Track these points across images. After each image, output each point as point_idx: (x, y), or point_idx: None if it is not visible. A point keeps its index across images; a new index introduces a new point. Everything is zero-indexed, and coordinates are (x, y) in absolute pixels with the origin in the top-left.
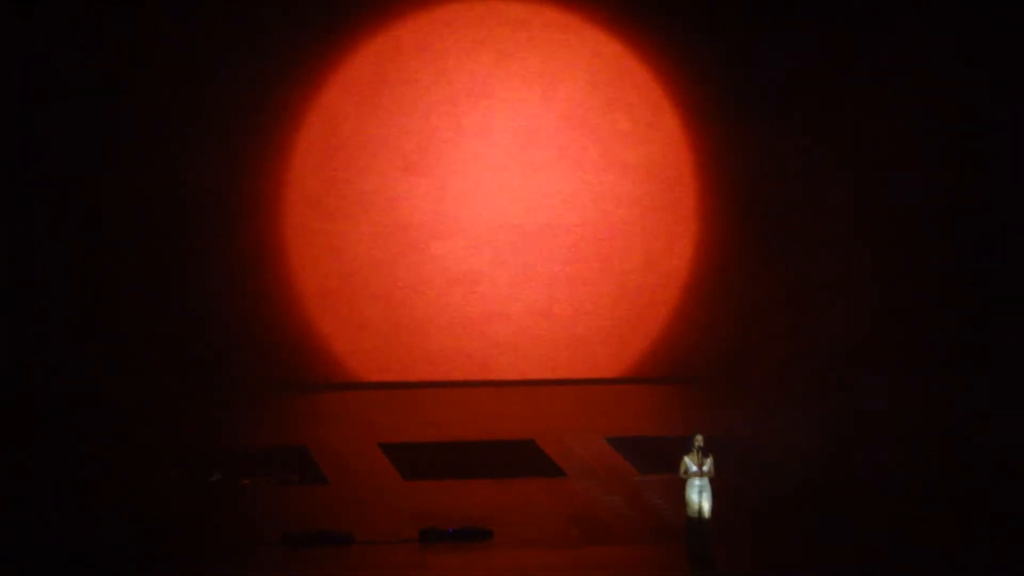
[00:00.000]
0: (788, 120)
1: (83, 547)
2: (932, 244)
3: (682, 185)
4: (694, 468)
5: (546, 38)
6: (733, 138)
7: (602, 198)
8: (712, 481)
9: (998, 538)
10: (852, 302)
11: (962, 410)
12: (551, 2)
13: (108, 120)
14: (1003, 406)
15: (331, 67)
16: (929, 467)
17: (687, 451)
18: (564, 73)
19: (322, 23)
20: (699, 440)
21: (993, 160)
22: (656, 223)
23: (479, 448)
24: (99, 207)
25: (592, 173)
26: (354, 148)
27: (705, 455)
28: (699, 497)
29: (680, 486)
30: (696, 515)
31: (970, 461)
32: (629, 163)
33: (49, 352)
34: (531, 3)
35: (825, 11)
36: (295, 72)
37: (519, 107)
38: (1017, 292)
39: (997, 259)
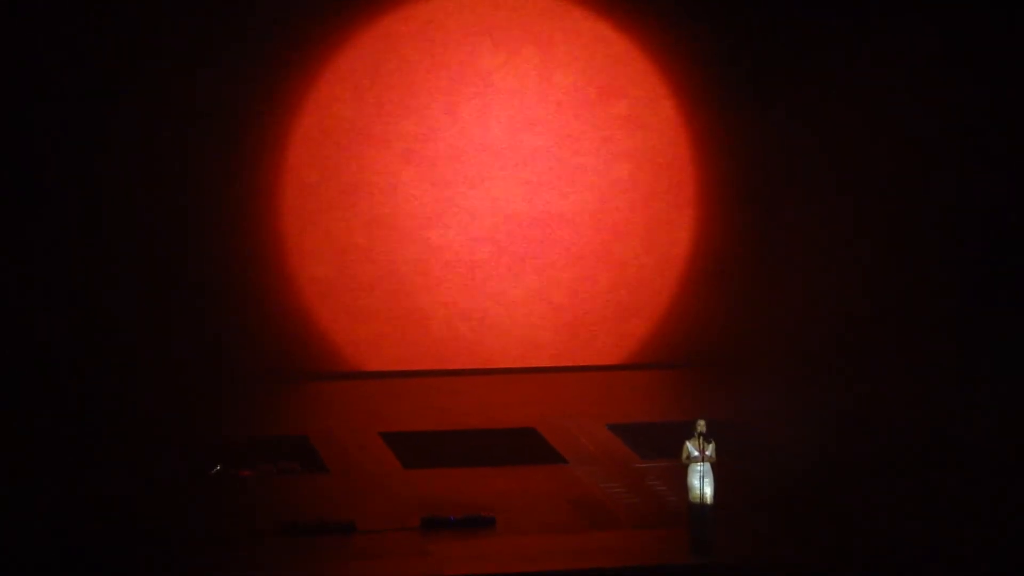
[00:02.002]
0: (788, 106)
1: (84, 540)
2: (931, 235)
3: (680, 171)
4: (696, 453)
5: (542, 25)
6: (732, 124)
7: (600, 184)
8: (714, 466)
9: (997, 524)
10: (851, 287)
11: (960, 403)
12: None
13: (106, 113)
14: (1001, 400)
15: (327, 56)
16: (926, 453)
17: (689, 436)
18: (561, 59)
19: (317, 12)
20: (701, 425)
21: (993, 159)
22: (654, 209)
23: (480, 436)
24: (98, 200)
25: (590, 160)
26: (351, 137)
27: (707, 440)
28: (701, 482)
29: (682, 472)
30: (698, 500)
31: (966, 450)
32: (627, 149)
33: (49, 345)
34: None
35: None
36: (291, 61)
37: (516, 94)
38: (1017, 289)
39: (997, 254)
